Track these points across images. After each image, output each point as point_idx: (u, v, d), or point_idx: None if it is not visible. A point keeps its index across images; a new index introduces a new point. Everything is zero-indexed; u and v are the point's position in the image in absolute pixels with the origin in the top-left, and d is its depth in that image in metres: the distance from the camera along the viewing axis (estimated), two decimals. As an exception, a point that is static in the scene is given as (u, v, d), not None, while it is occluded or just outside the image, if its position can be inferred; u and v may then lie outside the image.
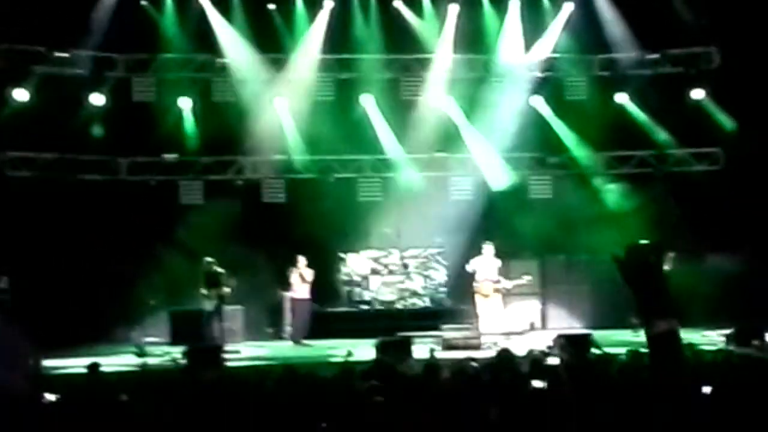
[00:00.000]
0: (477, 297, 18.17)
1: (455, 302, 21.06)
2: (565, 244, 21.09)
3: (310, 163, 21.38)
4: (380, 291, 21.62)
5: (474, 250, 18.73)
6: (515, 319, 19.48)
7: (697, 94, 20.99)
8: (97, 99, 20.40)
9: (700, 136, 21.12)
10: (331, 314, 20.76)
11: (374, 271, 21.69)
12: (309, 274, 19.30)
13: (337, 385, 8.60)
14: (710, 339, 16.20)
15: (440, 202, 21.33)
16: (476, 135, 21.54)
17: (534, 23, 21.37)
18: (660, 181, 21.37)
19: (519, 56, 21.48)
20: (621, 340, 16.14)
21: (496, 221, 20.63)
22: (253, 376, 9.74)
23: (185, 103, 20.89)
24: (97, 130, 20.47)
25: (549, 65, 21.86)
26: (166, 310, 19.99)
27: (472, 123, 21.52)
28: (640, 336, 18.06)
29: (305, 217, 20.12)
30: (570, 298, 21.10)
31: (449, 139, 21.64)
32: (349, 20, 21.22)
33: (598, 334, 15.24)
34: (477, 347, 16.43)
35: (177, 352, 16.60)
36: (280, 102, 21.07)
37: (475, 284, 18.24)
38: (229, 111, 20.89)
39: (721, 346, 14.18)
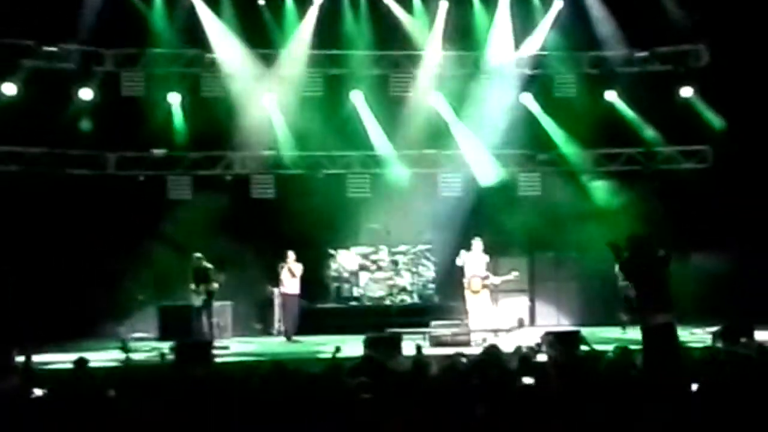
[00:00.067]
0: (466, 293, 18.18)
1: (444, 299, 21.11)
2: (553, 241, 21.15)
3: (299, 159, 21.35)
4: (369, 287, 21.61)
5: (463, 247, 18.74)
6: (504, 316, 19.50)
7: (686, 91, 21.02)
8: (85, 93, 20.31)
9: (689, 134, 21.16)
10: (319, 310, 20.77)
11: (363, 268, 21.68)
12: (298, 269, 19.29)
13: (325, 382, 8.58)
14: (698, 336, 16.24)
15: (429, 199, 21.34)
16: (465, 132, 21.54)
17: (523, 20, 21.37)
18: (648, 179, 21.41)
19: (508, 53, 21.48)
20: (609, 338, 16.17)
21: (485, 218, 20.64)
22: (242, 372, 9.71)
23: (174, 98, 20.83)
24: (85, 125, 20.40)
25: (538, 62, 21.85)
26: (155, 305, 19.96)
27: (462, 120, 21.52)
28: (629, 333, 18.24)
29: (294, 213, 20.10)
30: (558, 295, 21.17)
31: (438, 135, 21.62)
32: (339, 16, 21.17)
33: (586, 331, 15.25)
34: (466, 344, 16.43)
35: (165, 347, 16.60)
36: (270, 97, 21.02)
37: (464, 280, 18.25)
38: (218, 106, 20.84)
39: (709, 343, 14.22)
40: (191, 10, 20.61)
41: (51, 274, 19.20)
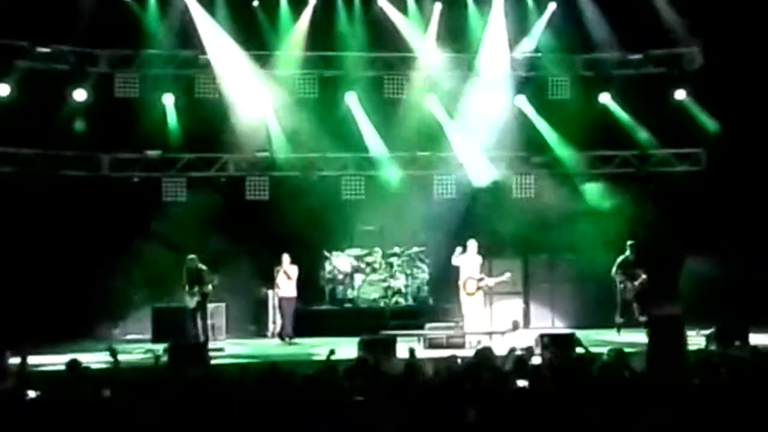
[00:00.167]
0: (461, 295, 18.18)
1: (438, 301, 21.09)
2: (548, 243, 21.17)
3: (293, 160, 21.34)
4: (363, 289, 21.59)
5: (457, 249, 18.71)
6: (499, 319, 19.51)
7: (680, 94, 21.06)
8: (79, 94, 20.28)
9: (683, 137, 21.18)
10: (314, 312, 20.74)
11: (357, 270, 21.66)
12: (293, 271, 19.26)
13: (319, 383, 8.58)
14: (692, 339, 16.22)
15: (423, 201, 21.35)
16: (459, 134, 21.54)
17: (518, 22, 21.38)
18: (642, 181, 21.43)
19: (502, 55, 21.48)
20: (604, 340, 16.18)
21: (479, 220, 20.66)
22: (237, 374, 9.69)
23: (168, 100, 20.80)
24: (79, 126, 20.37)
25: (532, 64, 21.88)
26: (149, 306, 19.93)
27: (456, 122, 21.51)
28: (623, 336, 18.26)
29: (288, 215, 20.11)
30: (553, 297, 21.16)
31: (433, 137, 21.63)
32: (333, 18, 21.16)
33: (580, 334, 15.26)
34: (461, 346, 16.44)
35: (159, 349, 16.57)
36: (264, 99, 21.00)
37: (459, 282, 18.25)
38: (212, 108, 20.82)
39: (702, 346, 14.22)
40: (185, 12, 20.57)
41: (45, 275, 19.17)
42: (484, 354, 10.40)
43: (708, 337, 14.92)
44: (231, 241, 19.82)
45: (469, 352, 12.76)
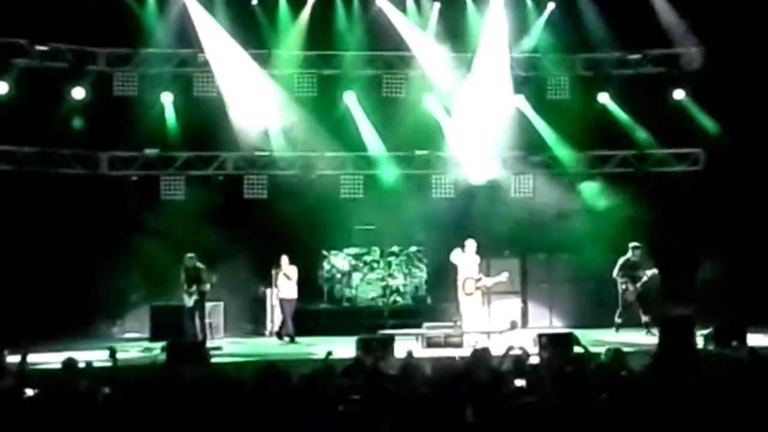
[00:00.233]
0: (460, 295, 18.17)
1: (436, 300, 21.10)
2: (546, 243, 21.17)
3: (291, 159, 21.34)
4: (361, 288, 21.63)
5: (455, 248, 18.70)
6: (497, 318, 19.51)
7: (679, 94, 21.07)
8: (78, 93, 20.28)
9: (681, 137, 21.19)
10: (312, 311, 20.74)
11: (355, 269, 21.69)
12: (293, 272, 19.26)
13: (317, 383, 8.58)
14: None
15: (422, 200, 21.33)
16: (458, 133, 21.53)
17: (517, 22, 21.36)
18: (641, 181, 21.44)
19: (501, 55, 21.46)
20: (602, 340, 16.18)
21: (477, 220, 20.64)
22: (235, 373, 9.70)
23: (167, 98, 20.80)
24: (77, 124, 20.36)
25: (531, 64, 21.89)
26: (147, 305, 19.94)
27: (454, 121, 21.51)
28: (621, 335, 18.25)
29: (286, 214, 20.08)
30: (551, 296, 21.18)
31: (431, 136, 21.62)
32: (332, 16, 21.15)
33: (578, 333, 15.26)
34: (459, 345, 16.44)
35: (157, 347, 16.60)
36: (262, 98, 20.99)
37: (457, 282, 18.24)
38: (210, 106, 20.81)
39: (700, 346, 14.21)
40: (184, 10, 20.56)
41: (43, 273, 19.17)
42: (482, 354, 10.40)
43: (706, 338, 14.93)
44: (229, 240, 19.80)
45: (467, 352, 12.76)
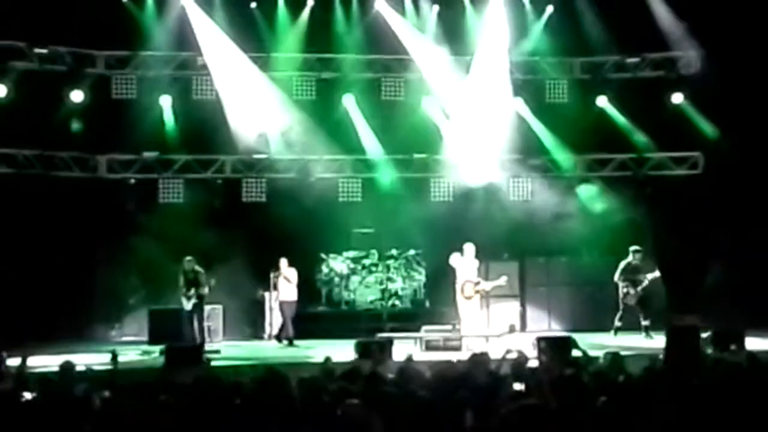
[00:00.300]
0: (459, 298, 18.16)
1: (434, 304, 21.09)
2: (544, 246, 21.16)
3: (290, 162, 21.32)
4: (360, 292, 21.63)
5: (453, 251, 18.70)
6: (495, 322, 19.50)
7: (677, 98, 21.07)
8: (76, 95, 20.27)
9: (680, 140, 21.20)
10: (310, 315, 20.72)
11: (354, 272, 21.68)
12: (293, 275, 19.24)
13: (315, 387, 8.56)
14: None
15: (420, 203, 21.32)
16: (456, 136, 21.53)
17: (515, 25, 21.36)
18: (639, 185, 21.44)
19: (500, 58, 21.46)
20: (600, 343, 16.17)
21: (475, 223, 20.61)
22: (234, 377, 9.69)
23: (165, 101, 20.79)
24: (76, 127, 20.35)
25: (530, 67, 21.89)
26: (146, 308, 19.92)
27: (453, 124, 21.51)
28: (619, 339, 18.26)
29: (285, 217, 20.06)
30: (549, 300, 21.17)
31: (429, 139, 21.62)
32: (331, 19, 21.16)
33: (576, 336, 15.26)
34: (458, 349, 16.44)
35: (155, 350, 16.60)
36: (261, 101, 20.98)
37: (456, 285, 18.23)
38: (209, 109, 20.80)
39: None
40: (183, 13, 20.57)
41: (42, 276, 19.16)
42: (481, 358, 10.39)
43: (704, 341, 14.91)
44: (228, 243, 19.80)
45: (465, 355, 12.74)
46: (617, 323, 18.94)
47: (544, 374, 8.23)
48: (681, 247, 9.48)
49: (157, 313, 19.53)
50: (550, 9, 21.30)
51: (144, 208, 20.61)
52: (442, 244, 19.56)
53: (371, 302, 21.58)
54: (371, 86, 21.62)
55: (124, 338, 20.15)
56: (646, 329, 18.40)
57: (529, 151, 21.78)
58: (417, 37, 21.31)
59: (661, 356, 10.51)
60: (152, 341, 18.65)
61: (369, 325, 19.95)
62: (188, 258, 18.37)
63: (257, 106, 20.89)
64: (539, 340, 15.48)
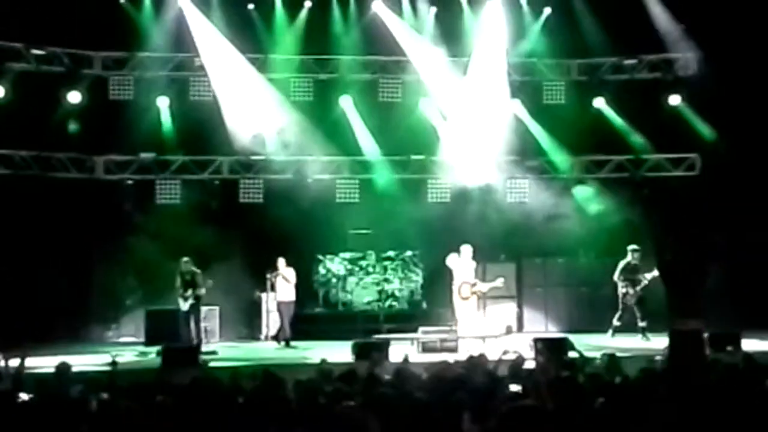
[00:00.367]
0: (455, 300, 18.16)
1: (432, 305, 21.09)
2: (541, 248, 21.17)
3: (287, 163, 21.31)
4: (357, 293, 21.63)
5: (450, 253, 18.70)
6: (492, 323, 19.50)
7: (674, 99, 21.10)
8: (73, 97, 20.27)
9: (677, 142, 21.22)
10: (307, 316, 20.71)
11: (351, 273, 21.68)
12: (291, 275, 19.23)
13: (311, 388, 8.56)
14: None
15: (417, 205, 21.31)
16: (454, 137, 21.54)
17: (513, 27, 21.38)
18: (636, 186, 21.46)
19: (498, 59, 21.47)
20: (597, 345, 16.18)
21: (472, 224, 20.61)
22: (231, 378, 9.69)
23: (162, 102, 20.79)
24: (73, 128, 20.33)
25: (527, 69, 21.91)
26: (142, 309, 19.91)
27: (450, 125, 21.52)
28: (617, 339, 18.24)
29: (282, 218, 20.05)
30: (546, 301, 21.19)
31: (427, 141, 21.62)
32: (328, 21, 21.18)
33: (573, 337, 15.28)
34: (454, 350, 16.44)
35: (152, 351, 16.59)
36: (258, 102, 20.97)
37: (453, 287, 18.23)
38: (206, 110, 20.78)
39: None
40: (180, 14, 20.56)
41: (39, 277, 19.15)
42: (478, 359, 10.39)
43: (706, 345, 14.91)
44: (225, 244, 19.80)
45: (462, 357, 12.74)
46: (616, 323, 18.94)
47: (541, 375, 8.23)
48: (681, 248, 9.45)
49: (153, 313, 19.51)
50: (547, 10, 21.32)
51: (141, 209, 20.61)
52: (439, 245, 19.56)
53: (368, 303, 21.58)
54: (369, 87, 21.62)
55: (121, 339, 20.15)
56: (643, 330, 18.41)
57: (527, 152, 21.79)
58: (414, 38, 21.32)
59: (658, 357, 10.52)
60: (149, 342, 18.63)
61: (366, 327, 19.96)
62: (185, 259, 18.36)
63: (254, 107, 20.88)
64: (536, 341, 15.49)
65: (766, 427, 6.77)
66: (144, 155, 20.98)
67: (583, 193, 21.65)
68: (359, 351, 15.39)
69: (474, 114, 21.38)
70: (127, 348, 18.72)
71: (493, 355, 10.49)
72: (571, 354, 12.33)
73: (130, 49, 20.73)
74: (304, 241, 20.55)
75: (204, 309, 18.87)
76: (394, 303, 21.67)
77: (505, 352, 10.09)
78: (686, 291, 9.39)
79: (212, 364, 15.46)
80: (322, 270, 21.63)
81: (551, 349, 14.48)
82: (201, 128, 20.82)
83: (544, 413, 6.49)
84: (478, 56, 21.47)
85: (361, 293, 21.66)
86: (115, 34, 20.33)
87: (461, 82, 21.46)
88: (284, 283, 19.20)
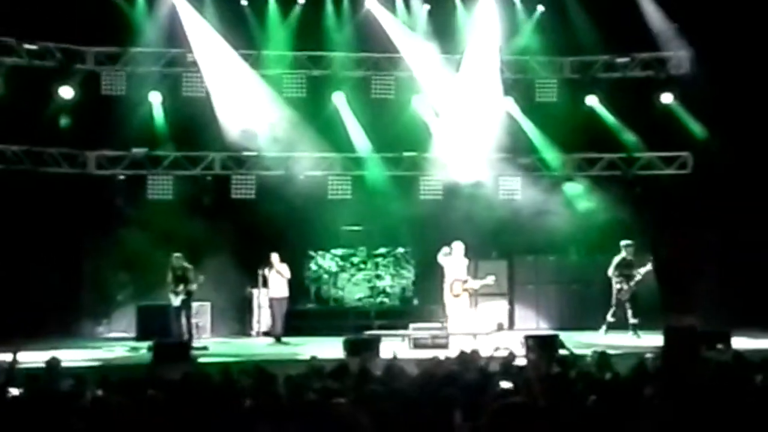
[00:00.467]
0: (447, 296, 18.19)
1: (423, 301, 21.11)
2: (533, 245, 21.19)
3: (279, 159, 21.29)
4: (348, 289, 21.64)
5: (442, 249, 18.72)
6: (483, 320, 19.53)
7: (666, 98, 21.13)
8: (66, 92, 20.22)
9: (669, 140, 21.25)
10: (299, 312, 20.71)
11: (343, 269, 21.69)
12: (285, 270, 19.21)
13: (302, 384, 8.58)
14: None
15: (409, 202, 21.32)
16: (446, 135, 21.54)
17: (506, 24, 21.38)
18: (628, 184, 21.50)
19: (490, 57, 21.48)
20: (589, 342, 16.22)
21: (464, 221, 20.61)
22: (222, 374, 9.69)
23: (155, 98, 20.76)
24: (65, 123, 20.29)
25: (520, 66, 21.92)
26: (134, 304, 19.89)
27: (443, 123, 21.52)
28: (609, 336, 18.27)
29: (274, 214, 20.05)
30: (538, 298, 21.22)
31: (419, 138, 21.62)
32: (322, 17, 21.15)
33: (565, 335, 15.32)
34: (445, 347, 16.46)
35: (143, 347, 16.59)
36: (251, 98, 20.95)
37: (445, 284, 18.26)
38: (199, 106, 20.76)
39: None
40: (173, 10, 20.52)
41: (29, 272, 19.11)
42: (470, 355, 10.42)
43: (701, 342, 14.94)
44: (216, 240, 19.78)
45: (453, 353, 12.76)
46: (609, 319, 18.96)
47: (532, 372, 8.25)
48: (677, 244, 9.48)
49: (145, 309, 19.51)
50: (540, 8, 21.33)
51: (133, 205, 20.57)
52: (431, 242, 19.58)
53: (360, 300, 21.60)
54: (361, 84, 21.61)
55: (112, 334, 20.11)
56: (634, 327, 18.45)
57: (519, 150, 21.80)
58: (407, 35, 21.30)
59: (648, 355, 10.55)
60: (140, 337, 18.63)
61: (357, 323, 19.99)
62: (177, 254, 18.36)
63: (247, 104, 20.85)
64: (527, 338, 15.52)
65: (756, 425, 6.80)
66: (136, 150, 20.94)
67: (575, 190, 21.67)
68: (350, 347, 15.41)
69: (466, 111, 21.37)
70: (118, 343, 18.72)
71: (484, 352, 10.51)
72: (562, 352, 12.37)
73: (122, 44, 20.68)
74: (295, 237, 20.56)
75: (195, 304, 18.87)
76: (386, 299, 21.69)
77: (496, 349, 10.10)
78: (681, 287, 9.41)
79: (204, 359, 15.48)
80: (313, 266, 21.63)
81: (542, 346, 14.53)
82: (193, 124, 20.79)
83: (534, 410, 6.51)
84: (470, 53, 21.46)
85: (353, 289, 21.68)
86: (107, 29, 20.27)
87: (454, 79, 21.45)
88: (278, 278, 19.18)
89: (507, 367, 9.61)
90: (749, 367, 9.34)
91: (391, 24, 21.23)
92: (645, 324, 17.90)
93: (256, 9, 20.98)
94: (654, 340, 13.50)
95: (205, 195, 20.95)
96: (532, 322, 20.95)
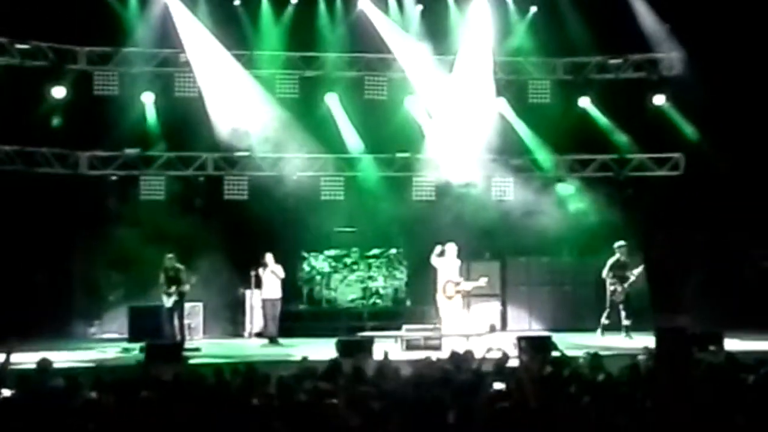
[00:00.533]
0: (440, 298, 18.18)
1: (416, 303, 21.11)
2: (526, 246, 21.19)
3: (272, 160, 21.27)
4: (341, 290, 21.62)
5: (434, 250, 18.70)
6: (476, 321, 19.51)
7: (659, 99, 21.17)
8: (58, 92, 20.18)
9: (661, 141, 21.30)
10: (291, 313, 20.68)
11: (335, 270, 21.68)
12: (280, 270, 19.17)
13: (293, 385, 8.56)
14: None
15: (402, 202, 21.33)
16: (439, 136, 21.55)
17: (499, 25, 21.40)
18: (621, 185, 21.52)
19: (483, 58, 21.49)
20: (582, 343, 16.22)
21: (457, 222, 20.63)
22: (214, 375, 9.67)
23: (147, 98, 20.73)
24: (57, 123, 20.24)
25: (513, 67, 21.93)
26: (126, 305, 19.84)
27: (436, 123, 21.53)
28: (606, 338, 18.27)
29: (267, 215, 20.04)
30: (530, 299, 21.22)
31: (412, 139, 21.62)
32: (315, 18, 21.15)
33: (558, 336, 15.32)
34: (438, 348, 16.45)
35: (135, 348, 16.55)
36: (244, 99, 20.93)
37: (437, 285, 18.25)
38: (191, 106, 20.73)
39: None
40: (166, 10, 20.49)
41: (21, 273, 19.05)
42: (462, 356, 10.41)
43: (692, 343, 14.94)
44: (209, 241, 19.75)
45: (446, 354, 12.76)
46: (604, 321, 18.97)
47: (524, 373, 8.25)
48: (669, 244, 9.48)
49: (137, 310, 19.45)
50: (533, 9, 21.35)
51: (125, 205, 20.53)
52: (424, 243, 19.55)
53: (352, 301, 21.59)
54: (354, 85, 21.61)
55: (104, 335, 20.07)
56: (627, 329, 18.46)
57: (512, 151, 21.81)
58: (400, 36, 21.31)
59: (640, 356, 10.56)
60: (132, 338, 18.56)
61: (350, 324, 20.00)
62: (169, 255, 18.33)
63: (239, 104, 20.82)
64: (520, 339, 15.52)
65: (749, 425, 6.80)
66: (128, 151, 20.90)
67: (567, 191, 21.69)
68: (343, 348, 15.39)
69: (459, 112, 21.38)
70: (110, 344, 18.68)
71: (477, 353, 10.51)
72: (554, 354, 12.37)
73: (115, 44, 20.64)
74: (288, 238, 20.52)
75: (188, 305, 18.83)
76: (378, 300, 21.68)
77: (488, 350, 10.10)
78: (672, 288, 9.39)
79: (196, 360, 15.44)
80: (306, 267, 21.62)
81: (535, 348, 14.53)
82: (186, 124, 20.76)
83: (526, 411, 6.51)
84: (463, 54, 21.47)
85: (346, 291, 21.66)
86: (100, 29, 20.23)
87: (447, 79, 21.45)
88: (272, 279, 19.14)
89: (500, 368, 9.61)
90: (741, 369, 9.34)
91: (384, 25, 21.23)
92: (637, 325, 17.92)
93: (249, 9, 20.97)
94: (646, 341, 13.49)
95: (198, 196, 20.91)
96: (525, 323, 20.95)
